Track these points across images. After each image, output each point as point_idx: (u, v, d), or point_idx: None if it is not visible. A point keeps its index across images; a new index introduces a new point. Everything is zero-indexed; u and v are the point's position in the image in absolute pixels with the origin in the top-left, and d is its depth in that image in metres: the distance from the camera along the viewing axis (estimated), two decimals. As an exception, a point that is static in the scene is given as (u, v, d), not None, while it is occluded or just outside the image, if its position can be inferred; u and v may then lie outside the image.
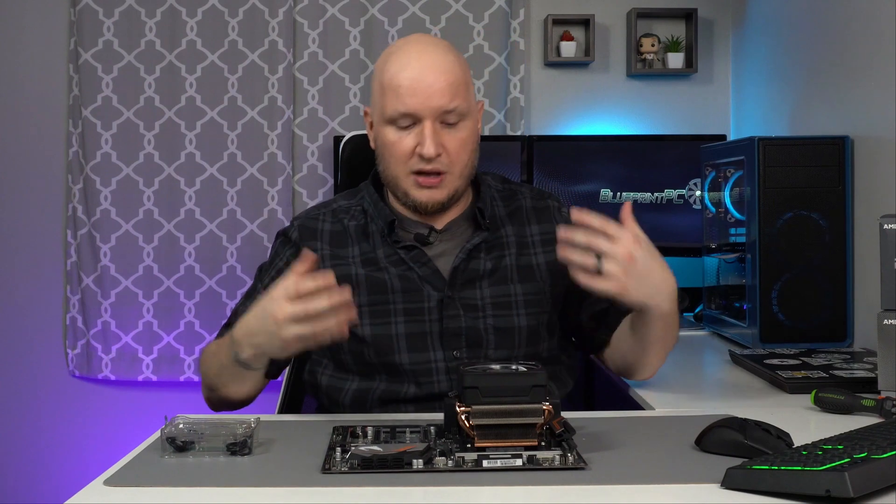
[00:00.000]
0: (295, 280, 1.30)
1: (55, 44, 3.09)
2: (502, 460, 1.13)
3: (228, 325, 1.57)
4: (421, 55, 1.50)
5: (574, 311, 1.63)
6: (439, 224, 1.58)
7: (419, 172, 1.51)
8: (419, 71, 1.48)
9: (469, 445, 1.17)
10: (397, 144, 1.51)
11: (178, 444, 1.22)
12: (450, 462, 1.14)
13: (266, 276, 1.61)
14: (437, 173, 1.51)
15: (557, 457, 1.14)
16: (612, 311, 1.61)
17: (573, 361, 1.68)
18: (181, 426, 1.25)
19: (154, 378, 3.05)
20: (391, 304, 1.53)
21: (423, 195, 1.53)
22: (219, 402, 1.54)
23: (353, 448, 1.17)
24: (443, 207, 1.56)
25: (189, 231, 3.05)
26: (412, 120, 1.49)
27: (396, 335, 1.52)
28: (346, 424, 1.33)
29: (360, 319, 1.53)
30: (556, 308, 1.62)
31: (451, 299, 1.53)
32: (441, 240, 1.58)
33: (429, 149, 1.48)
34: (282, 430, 1.33)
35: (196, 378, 3.01)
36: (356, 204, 1.63)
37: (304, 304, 1.29)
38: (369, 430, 1.27)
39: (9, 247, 3.11)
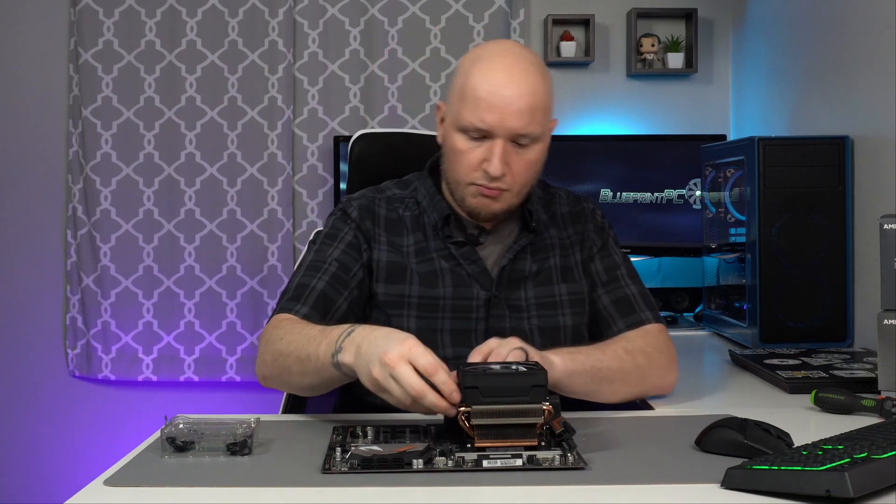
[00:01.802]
0: (434, 364, 1.19)
1: (55, 44, 3.09)
2: (502, 460, 1.13)
3: (291, 297, 1.50)
4: (508, 71, 1.46)
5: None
6: (489, 225, 1.60)
7: (481, 184, 1.51)
8: (503, 87, 1.44)
9: (469, 445, 1.17)
10: (466, 154, 1.49)
11: (178, 444, 1.22)
12: (450, 462, 1.14)
13: (332, 248, 1.56)
14: (498, 189, 1.51)
15: (557, 457, 1.14)
16: (606, 318, 1.61)
17: None
18: (181, 426, 1.25)
19: (154, 378, 3.05)
20: (441, 298, 1.54)
21: (479, 203, 1.53)
22: (285, 385, 1.46)
23: (353, 448, 1.17)
24: (494, 217, 1.56)
25: (189, 231, 3.05)
26: (484, 134, 1.47)
27: (441, 330, 1.53)
28: (346, 424, 1.33)
29: (407, 311, 1.53)
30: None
31: (498, 299, 1.55)
32: (489, 240, 1.59)
33: (496, 169, 1.46)
34: (282, 430, 1.33)
35: (196, 378, 3.01)
36: (409, 195, 1.63)
37: (419, 383, 1.18)
38: (369, 430, 1.27)
39: (9, 247, 3.11)
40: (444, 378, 1.20)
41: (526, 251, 1.59)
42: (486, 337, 1.49)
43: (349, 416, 1.47)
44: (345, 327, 1.31)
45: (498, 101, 1.44)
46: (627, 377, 1.47)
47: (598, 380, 1.43)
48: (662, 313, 2.65)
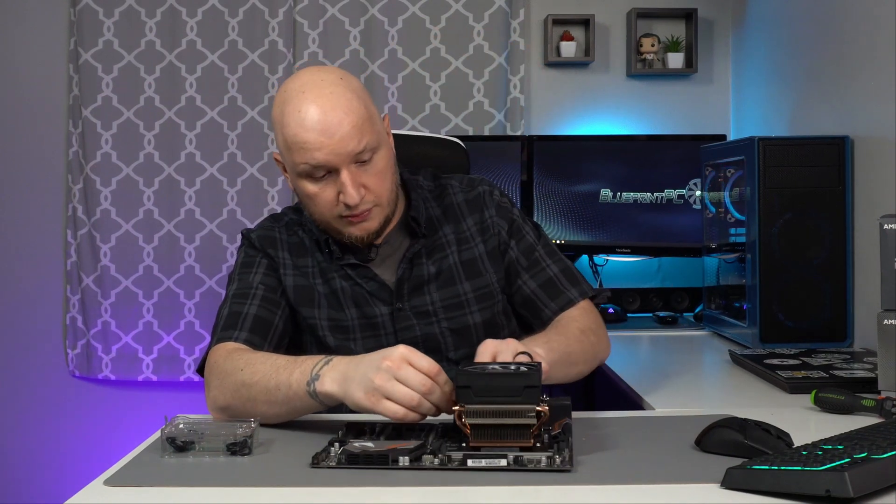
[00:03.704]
0: (435, 364, 1.22)
1: (55, 44, 3.09)
2: (487, 460, 1.13)
3: (225, 326, 1.51)
4: (316, 103, 1.43)
5: (509, 297, 1.63)
6: (378, 240, 1.58)
7: (347, 215, 1.49)
8: (319, 122, 1.41)
9: (464, 445, 1.17)
10: (319, 195, 1.47)
11: (178, 444, 1.22)
12: (436, 460, 1.14)
13: (253, 274, 1.57)
14: (366, 210, 1.49)
15: (545, 458, 1.13)
16: (537, 303, 1.60)
17: None
18: (181, 426, 1.25)
19: (154, 378, 3.05)
20: (349, 320, 1.55)
21: (356, 230, 1.51)
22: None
23: (348, 443, 1.18)
24: (377, 234, 1.54)
25: (189, 231, 3.05)
26: (326, 170, 1.45)
27: (357, 351, 1.54)
28: (359, 422, 1.33)
29: (322, 332, 1.55)
30: (506, 292, 1.63)
31: (402, 310, 1.55)
32: (381, 254, 1.58)
33: (352, 198, 1.44)
34: (282, 431, 1.33)
35: (196, 378, 3.01)
36: (305, 219, 1.62)
37: (427, 380, 1.20)
38: (377, 427, 1.27)
39: (9, 247, 3.11)
40: (446, 377, 1.22)
41: (421, 255, 1.58)
42: None
43: (349, 416, 1.46)
44: (319, 357, 1.32)
45: (320, 136, 1.41)
46: (587, 357, 1.50)
47: (569, 364, 1.45)
48: (662, 313, 2.66)
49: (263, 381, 1.33)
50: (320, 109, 1.42)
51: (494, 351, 1.28)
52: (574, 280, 1.62)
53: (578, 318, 1.55)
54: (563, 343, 1.45)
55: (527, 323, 1.63)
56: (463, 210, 1.64)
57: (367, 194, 1.47)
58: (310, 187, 1.47)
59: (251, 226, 1.69)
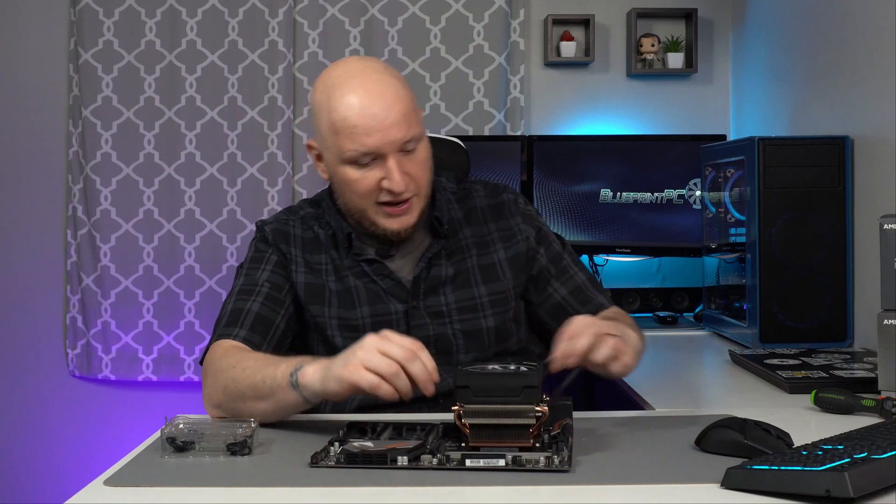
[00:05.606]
0: (415, 342, 1.22)
1: (55, 44, 3.09)
2: (485, 460, 1.13)
3: (227, 322, 1.51)
4: (366, 88, 1.43)
5: (534, 305, 1.63)
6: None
7: (388, 203, 1.49)
8: (369, 107, 1.42)
9: (463, 444, 1.17)
10: (361, 181, 1.47)
11: (178, 444, 1.22)
12: (434, 460, 1.14)
13: (261, 270, 1.57)
14: (406, 200, 1.49)
15: (543, 458, 1.13)
16: (568, 310, 1.59)
17: (544, 349, 1.66)
18: (181, 426, 1.25)
19: (154, 378, 3.05)
20: (360, 318, 1.54)
21: (394, 223, 1.50)
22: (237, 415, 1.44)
23: (347, 443, 1.18)
24: (413, 229, 1.54)
25: (189, 231, 3.05)
26: (373, 156, 1.45)
27: None
28: (360, 421, 1.33)
29: (331, 331, 1.54)
30: (519, 299, 1.62)
31: (416, 309, 1.54)
32: (401, 251, 1.57)
33: (398, 184, 1.45)
34: (282, 431, 1.33)
35: (196, 378, 3.01)
36: (322, 213, 1.61)
37: (412, 342, 1.22)
38: (378, 427, 1.27)
39: (9, 247, 3.11)
40: (427, 354, 1.22)
41: (440, 255, 1.57)
42: None
43: (351, 416, 1.46)
44: (308, 357, 1.32)
45: (371, 121, 1.42)
46: (643, 349, 1.49)
47: (639, 354, 1.43)
48: (662, 313, 2.66)
49: (251, 375, 1.34)
50: (371, 95, 1.43)
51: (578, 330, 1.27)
52: (599, 288, 1.64)
53: (623, 315, 1.57)
54: (632, 337, 1.42)
55: (546, 330, 1.60)
56: (486, 215, 1.63)
57: (410, 183, 1.48)
58: (353, 173, 1.47)
59: (266, 217, 1.68)
